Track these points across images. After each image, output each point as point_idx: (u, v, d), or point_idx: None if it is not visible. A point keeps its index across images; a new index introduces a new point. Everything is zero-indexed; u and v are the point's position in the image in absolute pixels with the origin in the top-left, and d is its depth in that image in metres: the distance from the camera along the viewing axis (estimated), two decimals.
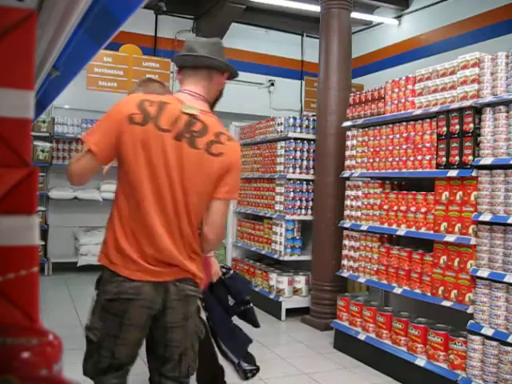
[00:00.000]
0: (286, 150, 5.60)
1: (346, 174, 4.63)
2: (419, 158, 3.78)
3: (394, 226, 3.94)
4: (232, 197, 2.10)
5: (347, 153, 4.65)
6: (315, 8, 6.47)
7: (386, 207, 4.05)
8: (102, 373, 2.05)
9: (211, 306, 2.65)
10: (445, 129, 3.53)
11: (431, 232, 3.60)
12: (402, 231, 3.84)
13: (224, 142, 2.03)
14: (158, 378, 2.10)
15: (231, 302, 2.73)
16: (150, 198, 1.95)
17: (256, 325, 2.87)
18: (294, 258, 5.59)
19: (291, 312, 5.46)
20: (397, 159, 3.99)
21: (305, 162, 5.62)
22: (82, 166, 1.95)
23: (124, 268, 1.95)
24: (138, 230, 1.96)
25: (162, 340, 2.05)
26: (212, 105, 2.19)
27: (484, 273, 3.18)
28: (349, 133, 4.66)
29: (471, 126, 3.34)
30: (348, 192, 4.58)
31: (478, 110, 3.34)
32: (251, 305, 2.84)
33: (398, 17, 8.17)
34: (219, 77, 2.15)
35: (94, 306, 2.05)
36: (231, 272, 2.78)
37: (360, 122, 4.51)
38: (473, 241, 3.27)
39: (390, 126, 4.10)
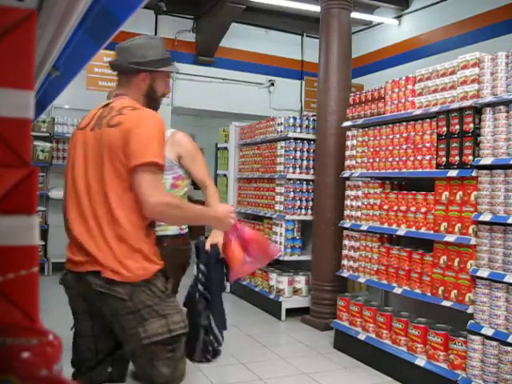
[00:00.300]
0: (285, 150, 5.60)
1: (346, 173, 4.63)
2: (419, 158, 3.78)
3: (394, 226, 3.94)
4: (142, 161, 1.87)
5: (347, 153, 4.65)
6: (315, 8, 6.47)
7: (385, 207, 4.05)
8: None
9: (211, 271, 2.58)
10: (445, 129, 3.53)
11: (431, 232, 3.60)
12: (402, 231, 3.84)
13: (125, 113, 1.99)
14: None
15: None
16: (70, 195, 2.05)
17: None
18: (294, 257, 5.59)
19: (291, 312, 5.46)
20: (397, 159, 3.99)
21: (305, 162, 5.62)
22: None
23: None
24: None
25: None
26: (149, 102, 2.18)
27: (484, 273, 3.18)
28: (349, 133, 4.66)
29: (471, 126, 3.34)
30: (348, 192, 4.58)
31: (478, 110, 3.34)
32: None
33: (398, 17, 8.18)
34: (136, 77, 2.15)
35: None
36: None
37: (360, 122, 4.51)
38: (473, 241, 3.27)
39: (390, 126, 4.10)
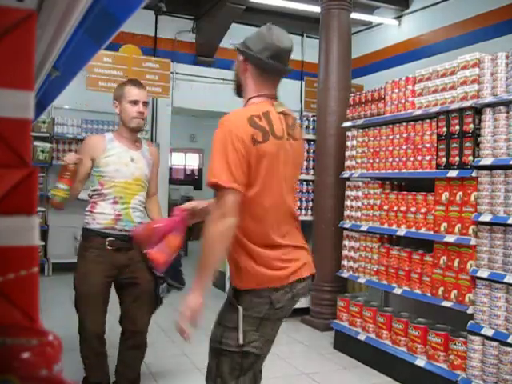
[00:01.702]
0: None
1: (346, 174, 4.63)
2: (419, 158, 3.78)
3: (394, 227, 3.94)
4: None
5: (347, 153, 4.65)
6: (315, 8, 6.48)
7: (385, 207, 4.05)
8: None
9: None
10: (445, 129, 3.53)
11: (431, 232, 3.60)
12: (401, 231, 3.84)
13: (298, 128, 2.18)
14: None
15: None
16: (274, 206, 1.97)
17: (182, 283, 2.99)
18: None
19: (291, 312, 5.45)
20: (397, 159, 3.99)
21: (305, 163, 5.62)
22: (233, 205, 1.82)
23: None
24: None
25: None
26: None
27: (484, 273, 3.18)
28: (349, 133, 4.66)
29: (471, 126, 3.34)
30: (348, 192, 4.58)
31: (477, 111, 3.34)
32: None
33: (398, 17, 8.18)
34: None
35: None
36: None
37: (360, 122, 4.51)
38: (473, 241, 3.27)
39: (390, 126, 4.10)
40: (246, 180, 1.86)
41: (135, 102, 2.87)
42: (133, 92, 2.88)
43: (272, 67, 2.02)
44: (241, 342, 1.91)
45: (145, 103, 2.92)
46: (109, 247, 2.82)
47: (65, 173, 2.70)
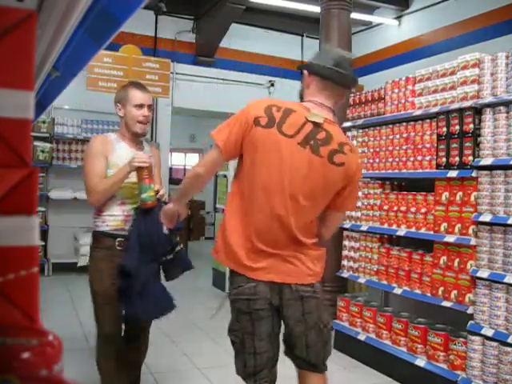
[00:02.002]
0: None
1: None
2: (419, 158, 3.78)
3: (394, 227, 3.94)
4: (352, 209, 2.28)
5: None
6: (315, 8, 6.48)
7: (385, 208, 4.05)
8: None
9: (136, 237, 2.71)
10: (445, 129, 3.53)
11: (431, 232, 3.60)
12: (401, 232, 3.84)
13: (346, 153, 2.13)
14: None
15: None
16: (260, 194, 2.12)
17: (188, 266, 2.93)
18: None
19: None
20: (397, 160, 3.99)
21: None
22: (210, 160, 2.17)
23: None
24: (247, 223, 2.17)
25: None
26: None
27: (484, 273, 3.18)
28: (349, 133, 4.66)
29: (471, 126, 3.34)
30: None
31: (477, 111, 3.34)
32: (181, 246, 2.92)
33: (398, 17, 8.18)
34: (347, 93, 2.31)
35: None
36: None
37: (360, 122, 4.51)
38: (473, 241, 3.27)
39: (390, 126, 4.10)
40: (234, 151, 2.12)
41: (140, 106, 2.83)
42: (138, 95, 2.83)
43: (335, 73, 2.16)
44: None
45: (149, 106, 2.89)
46: (118, 247, 2.80)
47: (147, 173, 2.70)
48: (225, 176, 6.98)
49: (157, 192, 2.72)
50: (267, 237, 2.12)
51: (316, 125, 2.12)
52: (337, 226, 2.31)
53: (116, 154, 2.80)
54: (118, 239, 2.79)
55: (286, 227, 2.13)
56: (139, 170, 2.69)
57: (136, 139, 2.93)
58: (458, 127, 3.43)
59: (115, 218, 2.80)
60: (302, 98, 2.27)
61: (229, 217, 2.18)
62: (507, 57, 3.22)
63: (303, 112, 2.13)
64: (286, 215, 2.11)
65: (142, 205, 2.71)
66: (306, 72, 2.24)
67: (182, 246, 2.92)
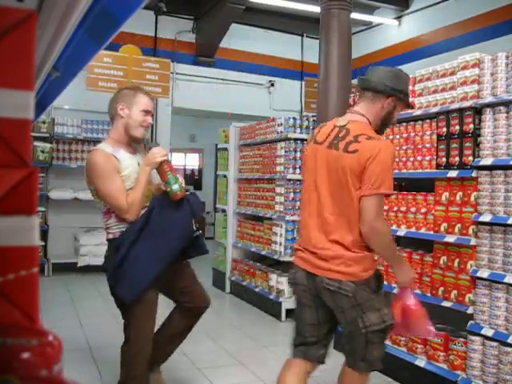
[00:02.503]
0: (286, 151, 5.59)
1: None
2: (419, 158, 3.78)
3: (394, 227, 3.94)
4: (375, 192, 2.23)
5: None
6: (315, 8, 6.48)
7: (385, 208, 4.05)
8: None
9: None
10: (445, 129, 3.53)
11: (431, 232, 3.60)
12: (402, 232, 3.84)
13: (361, 141, 2.29)
14: None
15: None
16: (304, 195, 2.54)
17: (205, 250, 3.01)
18: None
19: (291, 313, 5.45)
20: (397, 160, 3.99)
21: None
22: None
23: None
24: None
25: None
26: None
27: (484, 273, 3.18)
28: None
29: (471, 126, 3.34)
30: None
31: (477, 111, 3.34)
32: (200, 232, 2.99)
33: (398, 17, 8.18)
34: (383, 100, 2.40)
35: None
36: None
37: None
38: (473, 241, 3.27)
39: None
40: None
41: (147, 112, 2.83)
42: (146, 101, 2.83)
43: (358, 81, 2.51)
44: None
45: (152, 115, 2.91)
46: None
47: (168, 165, 2.76)
48: (225, 176, 6.98)
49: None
50: (307, 236, 2.46)
51: (340, 127, 2.40)
52: (366, 219, 2.27)
53: (123, 166, 2.75)
54: None
55: (321, 227, 2.40)
56: (160, 164, 2.73)
57: (131, 144, 2.89)
58: (457, 127, 3.43)
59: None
60: (385, 121, 2.49)
61: None
62: (507, 57, 3.22)
63: (333, 122, 2.48)
64: (320, 215, 2.40)
65: (173, 196, 2.72)
66: (391, 98, 2.42)
67: (200, 230, 3.01)
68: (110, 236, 2.81)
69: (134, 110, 2.79)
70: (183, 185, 2.78)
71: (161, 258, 2.72)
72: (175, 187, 2.71)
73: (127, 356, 2.79)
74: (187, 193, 2.85)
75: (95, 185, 2.72)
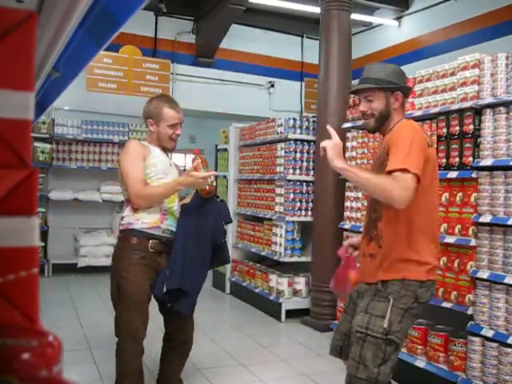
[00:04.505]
0: (285, 152, 5.59)
1: None
2: None
3: None
4: (393, 167, 2.16)
5: (347, 154, 4.65)
6: (315, 9, 6.48)
7: None
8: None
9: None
10: (445, 130, 3.53)
11: None
12: None
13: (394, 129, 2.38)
14: None
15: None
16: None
17: (227, 260, 3.08)
18: (294, 259, 5.58)
19: (291, 313, 5.46)
20: None
21: (305, 164, 5.62)
22: (413, 189, 2.15)
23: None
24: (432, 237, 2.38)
25: None
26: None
27: (484, 274, 3.18)
28: (349, 134, 4.66)
29: (471, 127, 3.34)
30: (348, 193, 4.58)
31: (477, 112, 3.35)
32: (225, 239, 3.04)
33: (398, 18, 8.18)
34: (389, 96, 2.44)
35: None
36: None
37: (360, 123, 4.50)
38: (473, 242, 3.27)
39: None
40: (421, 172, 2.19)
41: (174, 126, 2.90)
42: (173, 115, 2.89)
43: (409, 91, 2.56)
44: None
45: (181, 123, 2.97)
46: (151, 250, 2.80)
47: (203, 161, 2.82)
48: (225, 177, 6.98)
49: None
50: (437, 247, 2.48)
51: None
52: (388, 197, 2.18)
53: (152, 155, 2.86)
54: (152, 241, 2.81)
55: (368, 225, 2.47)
56: (195, 158, 2.81)
57: (165, 150, 3.01)
58: (457, 128, 3.43)
59: (153, 215, 2.82)
60: (384, 114, 2.42)
61: None
62: (507, 57, 3.22)
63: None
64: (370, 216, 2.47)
65: (202, 190, 2.77)
66: (393, 92, 2.42)
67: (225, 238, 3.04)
68: (121, 227, 2.88)
69: (161, 126, 2.89)
70: (214, 183, 2.82)
71: (204, 264, 2.85)
72: (209, 183, 2.78)
73: (118, 353, 2.82)
74: (218, 199, 2.91)
75: (120, 165, 2.84)
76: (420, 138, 2.25)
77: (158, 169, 2.84)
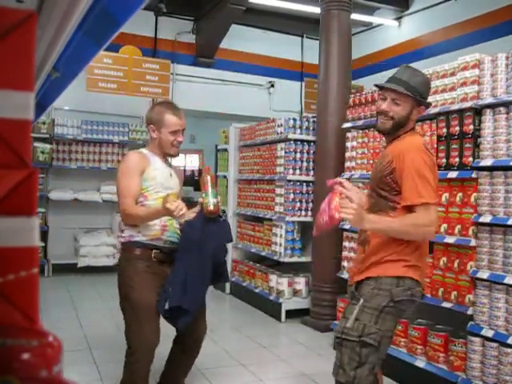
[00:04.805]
0: (285, 152, 5.59)
1: (346, 175, 4.63)
2: None
3: None
4: (413, 202, 2.25)
5: (347, 154, 4.65)
6: (315, 9, 6.48)
7: None
8: None
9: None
10: (445, 130, 3.53)
11: None
12: None
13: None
14: None
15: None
16: None
17: (227, 278, 3.08)
18: (294, 259, 5.58)
19: (291, 313, 5.46)
20: None
21: (305, 164, 5.62)
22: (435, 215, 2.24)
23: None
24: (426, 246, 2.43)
25: None
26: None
27: (484, 274, 3.18)
28: (349, 134, 4.66)
29: (471, 127, 3.34)
30: None
31: (477, 112, 3.34)
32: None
33: (398, 18, 8.18)
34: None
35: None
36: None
37: (360, 123, 4.51)
38: (473, 242, 3.27)
39: None
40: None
41: (175, 132, 2.89)
42: (175, 122, 2.87)
43: (429, 106, 2.53)
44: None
45: (184, 130, 2.94)
46: (154, 259, 2.81)
47: (213, 180, 2.81)
48: (225, 177, 6.98)
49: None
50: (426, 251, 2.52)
51: None
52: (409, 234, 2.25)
53: (153, 167, 2.85)
54: (155, 251, 2.81)
55: None
56: (205, 175, 2.79)
57: (165, 157, 3.00)
58: (457, 128, 3.43)
59: (153, 227, 2.82)
60: (403, 120, 2.40)
61: None
62: (507, 57, 3.22)
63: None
64: None
65: (206, 208, 2.74)
66: (417, 103, 2.40)
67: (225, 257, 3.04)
68: (122, 239, 2.89)
69: (163, 132, 2.87)
70: (219, 204, 2.78)
71: (204, 283, 2.86)
72: (212, 201, 2.74)
73: (129, 362, 2.82)
74: (221, 219, 2.89)
75: (117, 176, 2.84)
76: (430, 161, 2.28)
77: (157, 182, 2.84)
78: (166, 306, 2.74)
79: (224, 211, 2.91)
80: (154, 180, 2.83)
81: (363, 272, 2.35)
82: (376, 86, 2.59)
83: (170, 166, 3.02)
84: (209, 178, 2.78)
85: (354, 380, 2.22)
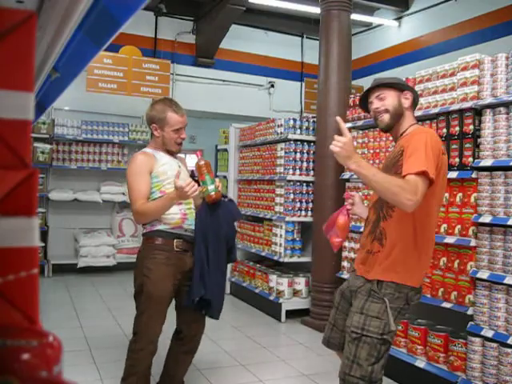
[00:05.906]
0: (285, 152, 5.59)
1: (346, 175, 4.63)
2: None
3: None
4: (410, 170, 2.17)
5: None
6: (315, 9, 6.49)
7: None
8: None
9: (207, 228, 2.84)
10: (445, 130, 3.53)
11: None
12: None
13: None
14: None
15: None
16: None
17: (235, 258, 3.10)
18: (294, 259, 5.59)
19: (291, 313, 5.46)
20: None
21: (305, 164, 5.62)
22: (423, 191, 2.15)
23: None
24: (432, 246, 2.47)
25: None
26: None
27: (484, 274, 3.18)
28: None
29: (471, 127, 3.34)
30: None
31: (477, 112, 3.35)
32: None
33: (398, 18, 8.18)
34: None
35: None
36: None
37: (360, 123, 4.51)
38: (473, 242, 3.27)
39: None
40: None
41: (178, 130, 2.91)
42: (177, 120, 2.89)
43: (418, 96, 2.57)
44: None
45: (185, 127, 2.96)
46: (176, 249, 2.83)
47: (208, 168, 2.79)
48: (225, 177, 6.98)
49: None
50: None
51: None
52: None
53: (160, 163, 2.87)
54: (177, 240, 2.85)
55: None
56: (200, 166, 2.77)
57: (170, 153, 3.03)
58: (457, 128, 3.43)
59: (173, 216, 2.85)
60: (398, 114, 2.44)
61: None
62: (507, 58, 3.22)
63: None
64: None
65: (208, 197, 2.76)
66: (408, 92, 2.48)
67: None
68: (144, 230, 2.93)
69: (166, 130, 2.89)
70: (219, 188, 2.79)
71: (221, 269, 2.94)
72: (211, 188, 2.75)
73: (132, 350, 2.86)
74: (225, 199, 2.91)
75: (126, 178, 2.87)
76: (436, 144, 2.26)
77: (169, 175, 2.85)
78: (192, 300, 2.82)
79: (225, 196, 2.92)
80: (165, 174, 2.85)
81: (386, 271, 2.34)
82: (359, 98, 2.68)
83: (175, 157, 3.05)
84: (203, 163, 2.77)
85: (370, 374, 2.31)
